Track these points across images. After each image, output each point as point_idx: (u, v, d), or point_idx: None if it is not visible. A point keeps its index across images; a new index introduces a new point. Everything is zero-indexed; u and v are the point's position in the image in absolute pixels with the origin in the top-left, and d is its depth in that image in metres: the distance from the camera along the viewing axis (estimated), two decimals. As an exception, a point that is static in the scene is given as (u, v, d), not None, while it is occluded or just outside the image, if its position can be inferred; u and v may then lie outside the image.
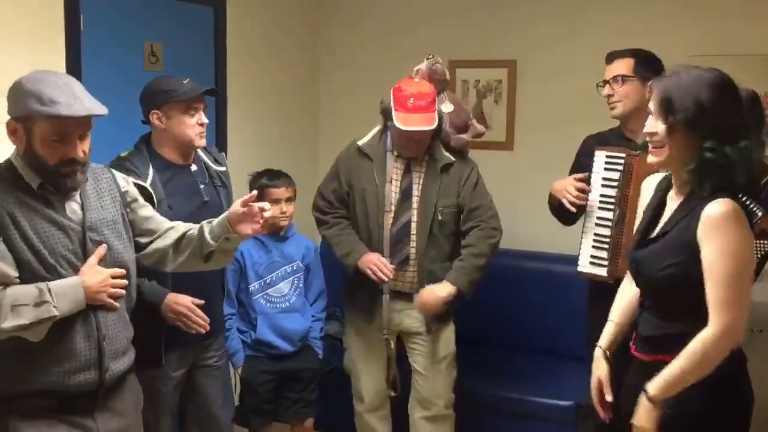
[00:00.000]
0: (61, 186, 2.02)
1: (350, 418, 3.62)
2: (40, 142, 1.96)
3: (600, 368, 2.23)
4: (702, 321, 1.91)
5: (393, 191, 3.08)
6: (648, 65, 2.75)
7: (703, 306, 1.89)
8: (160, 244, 2.28)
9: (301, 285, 3.26)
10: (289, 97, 4.35)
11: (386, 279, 3.05)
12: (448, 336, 3.25)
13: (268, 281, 3.17)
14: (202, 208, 2.67)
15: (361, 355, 3.30)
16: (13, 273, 1.94)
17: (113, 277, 2.07)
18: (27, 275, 1.96)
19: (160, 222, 2.32)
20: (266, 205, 2.23)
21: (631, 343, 2.17)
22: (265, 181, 3.16)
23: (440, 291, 3.05)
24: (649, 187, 2.20)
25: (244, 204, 2.19)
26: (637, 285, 2.13)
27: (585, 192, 2.82)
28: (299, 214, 3.34)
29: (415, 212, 3.06)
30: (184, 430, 2.89)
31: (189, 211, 2.58)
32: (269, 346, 3.16)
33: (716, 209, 1.86)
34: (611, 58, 2.82)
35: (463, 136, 3.13)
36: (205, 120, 2.66)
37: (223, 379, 2.91)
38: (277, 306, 3.19)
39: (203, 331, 2.57)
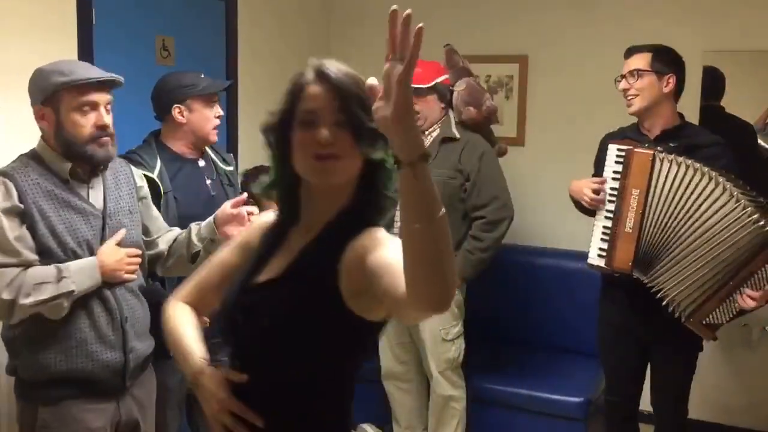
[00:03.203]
0: (96, 158, 2.10)
1: (358, 413, 3.62)
2: (71, 114, 2.05)
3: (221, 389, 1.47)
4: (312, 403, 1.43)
5: None
6: (665, 60, 2.72)
7: (316, 381, 1.42)
8: (156, 244, 2.38)
9: None
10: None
11: None
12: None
13: None
14: (208, 202, 2.68)
15: None
16: (33, 256, 2.02)
17: (129, 256, 2.17)
18: (48, 259, 2.04)
19: (161, 225, 2.42)
20: (255, 209, 2.29)
21: None
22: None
23: None
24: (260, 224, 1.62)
25: (235, 206, 2.26)
26: (236, 346, 1.52)
27: (601, 193, 2.80)
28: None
29: None
30: (191, 422, 2.90)
31: (195, 204, 2.61)
32: None
33: (374, 231, 1.40)
34: (630, 53, 2.81)
35: (472, 109, 3.31)
36: (221, 112, 2.76)
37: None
38: None
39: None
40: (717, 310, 2.59)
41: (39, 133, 2.14)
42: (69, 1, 2.84)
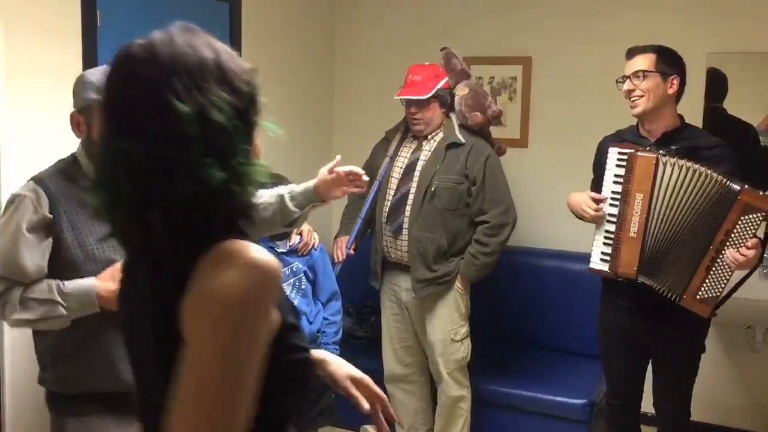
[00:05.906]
0: None
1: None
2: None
3: None
4: None
5: (397, 166, 3.38)
6: (669, 61, 2.71)
7: None
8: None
9: (303, 287, 3.18)
10: (305, 93, 4.36)
11: (336, 260, 3.42)
12: (443, 314, 3.32)
13: None
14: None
15: (383, 324, 3.59)
16: (33, 274, 1.96)
17: None
18: (72, 271, 1.99)
19: None
20: (355, 168, 2.18)
21: None
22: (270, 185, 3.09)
23: None
24: None
25: (331, 171, 2.16)
26: None
27: (601, 203, 2.79)
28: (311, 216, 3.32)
29: (414, 184, 3.29)
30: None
31: None
32: None
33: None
34: (632, 53, 2.77)
35: (479, 114, 3.30)
36: None
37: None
38: None
39: None
40: (707, 281, 2.57)
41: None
42: (74, 3, 2.85)
